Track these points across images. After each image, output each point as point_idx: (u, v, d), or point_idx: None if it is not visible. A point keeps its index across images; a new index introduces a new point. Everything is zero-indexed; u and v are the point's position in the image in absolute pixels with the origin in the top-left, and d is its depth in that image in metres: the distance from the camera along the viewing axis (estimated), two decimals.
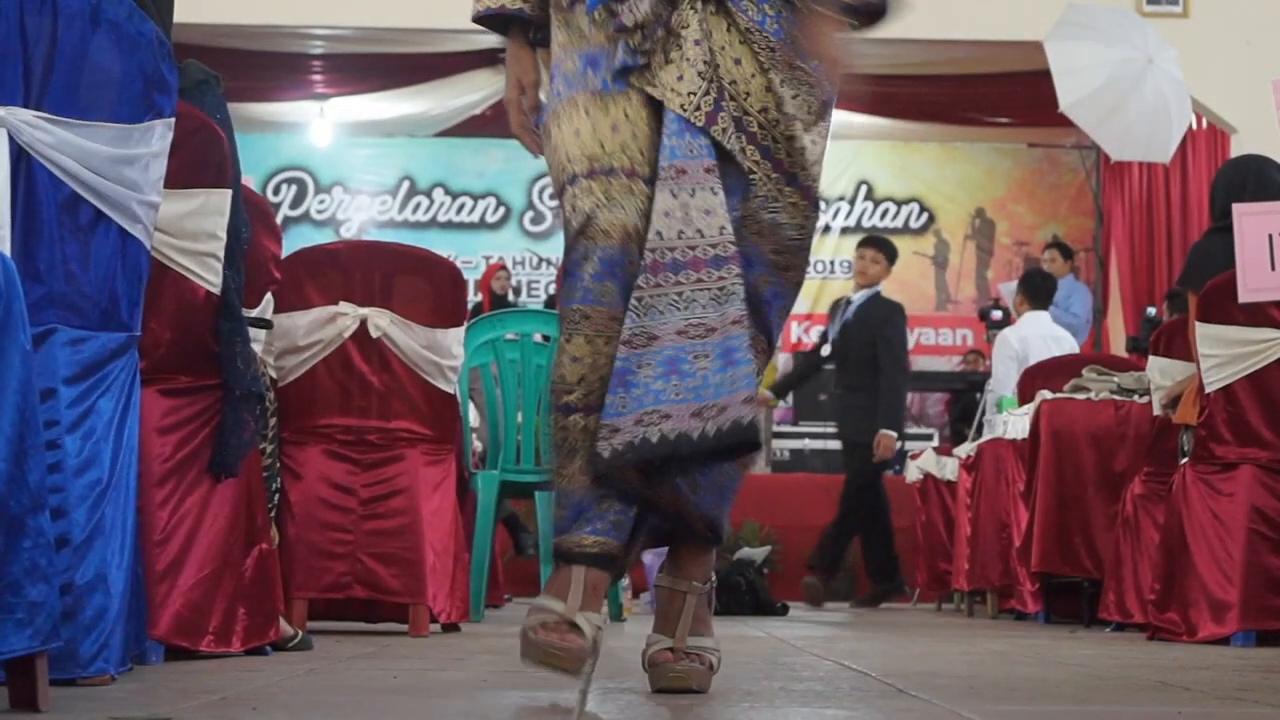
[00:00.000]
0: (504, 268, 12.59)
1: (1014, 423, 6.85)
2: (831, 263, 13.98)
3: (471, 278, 11.35)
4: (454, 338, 4.79)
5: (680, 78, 2.67)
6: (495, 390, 6.22)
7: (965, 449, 7.92)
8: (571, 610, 2.53)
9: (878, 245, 8.56)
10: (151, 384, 3.21)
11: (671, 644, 2.76)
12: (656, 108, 2.69)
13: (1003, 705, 2.61)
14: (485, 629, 5.11)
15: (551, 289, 13.45)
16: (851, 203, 14.34)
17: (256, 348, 3.92)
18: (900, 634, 5.39)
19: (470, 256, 13.58)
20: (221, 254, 3.37)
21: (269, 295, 4.17)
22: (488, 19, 2.85)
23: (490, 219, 14.29)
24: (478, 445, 6.48)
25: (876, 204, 14.37)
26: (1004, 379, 8.04)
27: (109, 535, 2.69)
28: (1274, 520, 4.81)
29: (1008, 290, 10.47)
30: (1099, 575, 6.02)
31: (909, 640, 4.88)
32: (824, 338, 8.61)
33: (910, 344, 13.83)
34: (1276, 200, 4.97)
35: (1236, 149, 10.90)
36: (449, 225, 14.21)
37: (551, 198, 13.68)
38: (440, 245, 11.66)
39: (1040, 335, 8.19)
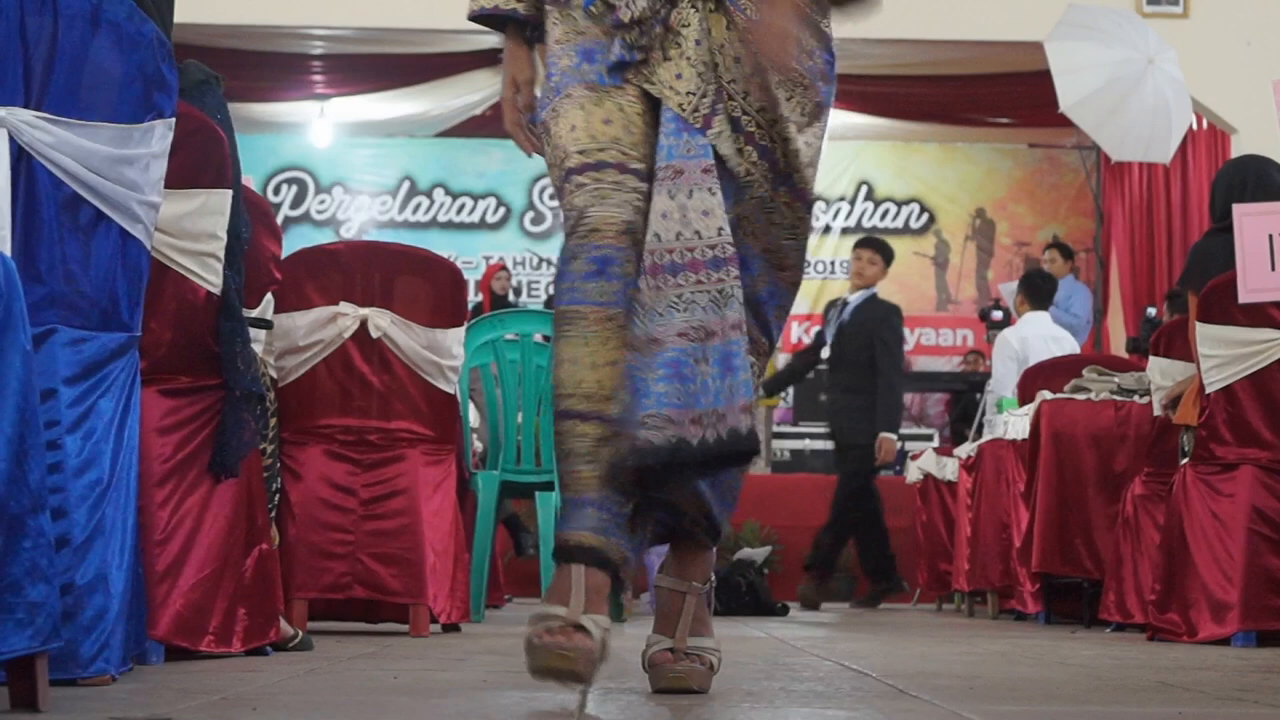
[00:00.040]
0: (504, 268, 12.60)
1: (1014, 423, 6.85)
2: (832, 263, 13.98)
3: (472, 278, 11.35)
4: (454, 338, 4.79)
5: (679, 76, 2.66)
6: (495, 390, 6.22)
7: (966, 449, 7.92)
8: (575, 613, 2.46)
9: (874, 246, 8.55)
10: (152, 384, 3.21)
11: (672, 644, 2.76)
12: (652, 102, 2.66)
13: (1003, 706, 2.61)
14: (485, 629, 5.11)
15: (551, 289, 13.45)
16: (852, 203, 14.35)
17: (257, 348, 3.92)
18: (901, 634, 5.39)
19: (470, 257, 13.58)
20: (222, 254, 3.37)
21: (269, 295, 4.17)
22: (483, 18, 2.84)
23: (490, 219, 14.30)
24: (478, 445, 6.48)
25: (877, 204, 14.38)
26: (1004, 379, 8.04)
27: (109, 535, 2.69)
28: (1274, 521, 4.81)
29: (1008, 291, 10.47)
30: (1099, 576, 6.02)
31: (909, 641, 4.88)
32: (820, 338, 8.58)
33: (910, 344, 13.89)
34: (1277, 201, 4.97)
35: (1237, 149, 10.90)
36: (449, 225, 14.22)
37: (551, 198, 13.70)
38: (440, 245, 11.67)
39: (1040, 336, 8.19)
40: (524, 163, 12.33)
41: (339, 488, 4.61)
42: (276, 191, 14.10)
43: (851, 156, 14.16)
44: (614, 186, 2.62)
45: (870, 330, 8.24)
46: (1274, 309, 4.80)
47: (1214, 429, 4.92)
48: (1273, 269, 4.67)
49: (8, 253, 2.46)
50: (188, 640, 3.26)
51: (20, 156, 2.64)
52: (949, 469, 8.26)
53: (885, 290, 8.65)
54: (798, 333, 13.32)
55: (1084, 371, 6.56)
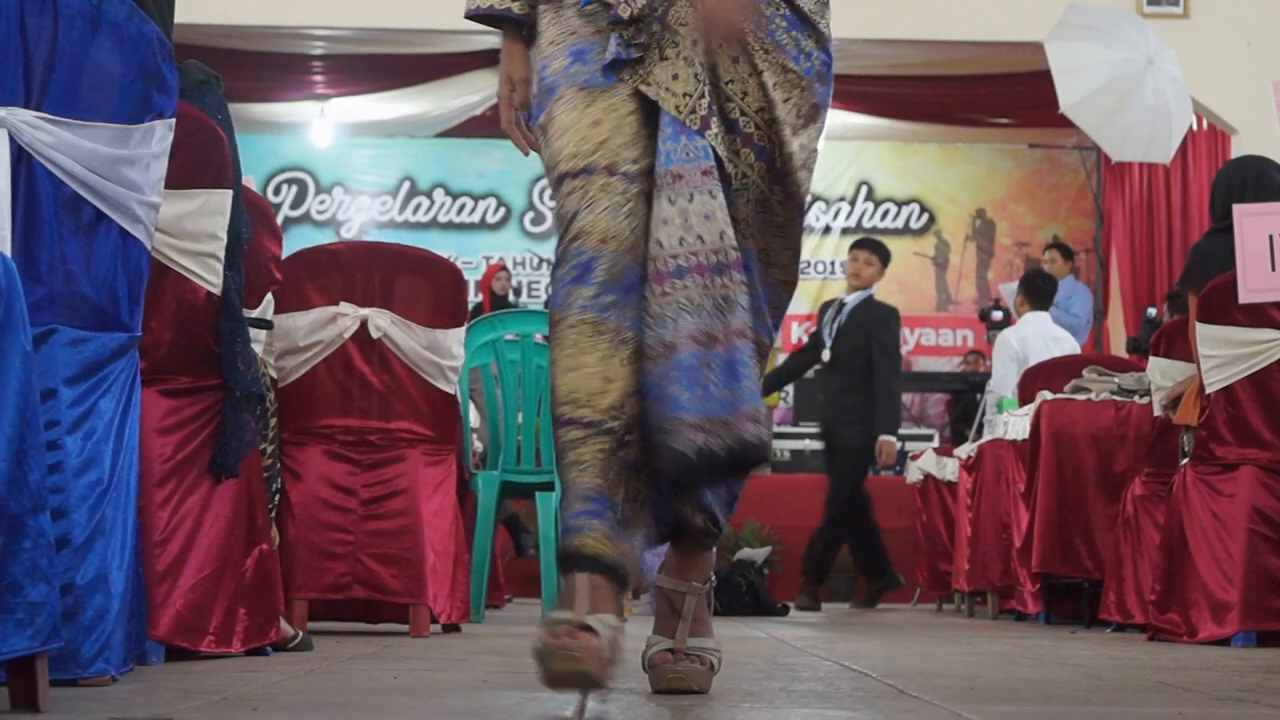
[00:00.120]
0: (504, 268, 12.60)
1: (1014, 423, 6.85)
2: (832, 263, 13.98)
3: (472, 278, 11.36)
4: (454, 338, 4.79)
5: (675, 77, 2.63)
6: (496, 391, 6.22)
7: (966, 450, 7.93)
8: (581, 614, 2.42)
9: (871, 247, 8.53)
10: (152, 384, 3.21)
11: (672, 645, 2.75)
12: (645, 102, 2.64)
13: (1003, 706, 2.61)
14: (486, 629, 5.11)
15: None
16: (852, 203, 14.35)
17: (257, 348, 3.92)
18: (901, 634, 5.39)
19: (471, 257, 13.59)
20: (222, 254, 3.37)
21: (269, 296, 4.17)
22: (478, 18, 2.83)
23: (491, 219, 14.30)
24: (478, 446, 6.48)
25: (877, 205, 14.38)
26: (1004, 380, 8.04)
27: (109, 536, 2.69)
28: (1274, 521, 4.81)
29: (1008, 291, 10.48)
30: (1099, 576, 6.02)
31: (909, 641, 4.88)
32: (817, 338, 8.55)
33: (911, 344, 13.91)
34: (1277, 201, 4.97)
35: (1237, 150, 10.91)
36: (449, 226, 14.22)
37: (551, 198, 13.66)
38: (441, 246, 11.68)
39: (1040, 336, 8.19)
40: (524, 163, 12.34)
41: (339, 488, 4.61)
42: (277, 192, 14.10)
43: (851, 157, 14.16)
44: (602, 190, 2.59)
45: (868, 332, 8.22)
46: (1274, 309, 4.80)
47: (1214, 429, 4.92)
48: (1273, 269, 4.68)
49: (8, 253, 2.46)
50: (188, 640, 3.26)
51: (20, 157, 2.64)
52: (949, 469, 8.26)
53: (885, 290, 8.63)
54: (798, 333, 13.33)
55: (1084, 372, 6.56)
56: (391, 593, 4.57)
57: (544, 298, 13.59)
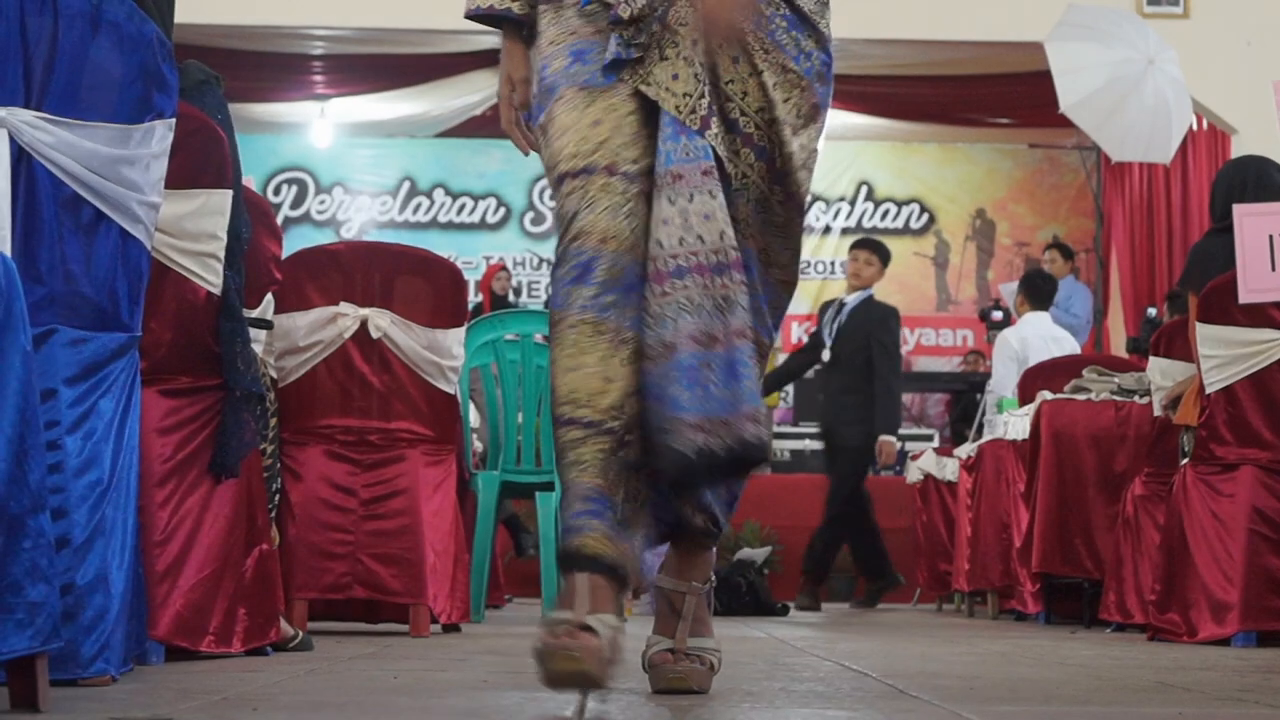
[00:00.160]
0: (504, 268, 12.60)
1: (1014, 423, 6.85)
2: (832, 263, 13.98)
3: (472, 278, 11.36)
4: (454, 338, 4.79)
5: (675, 77, 2.62)
6: (496, 391, 6.22)
7: (966, 450, 7.92)
8: (580, 614, 2.42)
9: (871, 247, 8.53)
10: (152, 384, 3.21)
11: (672, 645, 2.75)
12: (645, 102, 2.63)
13: (1003, 706, 2.61)
14: (486, 630, 5.11)
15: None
16: (852, 203, 14.35)
17: (257, 348, 3.92)
18: (901, 634, 5.39)
19: (471, 257, 13.59)
20: (222, 254, 3.37)
21: (269, 296, 4.17)
22: (478, 18, 2.83)
23: (491, 219, 14.31)
24: (478, 446, 6.48)
25: (877, 205, 14.38)
26: (1004, 380, 8.04)
27: (109, 536, 2.69)
28: (1275, 521, 4.81)
29: (1008, 291, 10.47)
30: (1099, 576, 6.02)
31: (910, 641, 4.88)
32: (818, 338, 8.55)
33: (911, 344, 13.91)
34: (1277, 201, 4.97)
35: (1237, 150, 10.91)
36: (449, 226, 14.22)
37: (551, 198, 13.65)
38: (441, 246, 11.68)
39: (1040, 336, 8.19)
40: (524, 163, 12.34)
41: (339, 488, 4.61)
42: (277, 192, 14.11)
43: (851, 157, 14.16)
44: (602, 190, 2.58)
45: (868, 333, 8.22)
46: (1274, 309, 4.80)
47: (1214, 429, 4.92)
48: (1273, 269, 4.67)
49: (8, 253, 2.46)
50: (188, 640, 3.26)
51: (20, 157, 2.64)
52: (949, 469, 8.26)
53: (886, 290, 8.63)
54: (798, 333, 13.33)
55: (1084, 372, 6.56)
56: (391, 593, 4.57)
57: (544, 298, 13.59)
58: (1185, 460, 5.12)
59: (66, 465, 2.62)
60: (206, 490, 3.36)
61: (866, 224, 14.08)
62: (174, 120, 2.85)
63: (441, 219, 14.26)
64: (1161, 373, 5.47)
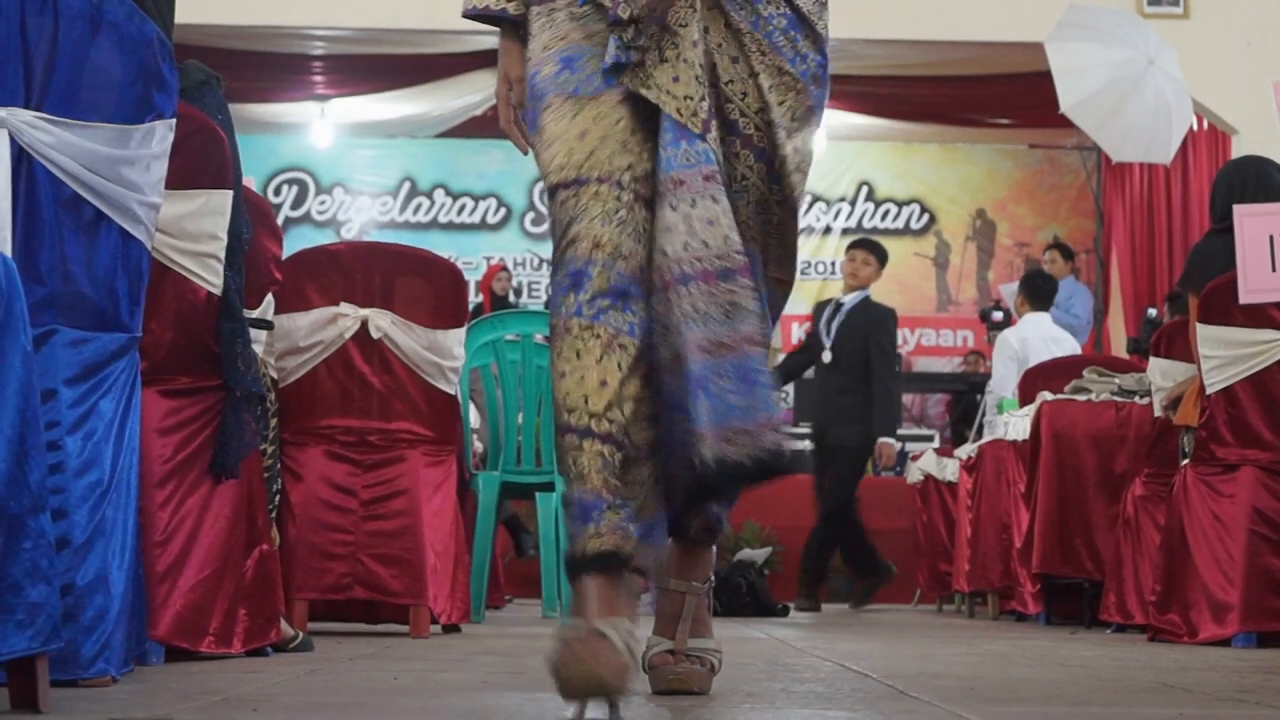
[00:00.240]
0: (505, 269, 12.60)
1: (1015, 424, 6.85)
2: (832, 264, 13.97)
3: (472, 279, 11.37)
4: (455, 339, 4.80)
5: (676, 79, 2.60)
6: (496, 391, 6.22)
7: (966, 450, 7.92)
8: (592, 619, 2.39)
9: (868, 247, 8.51)
10: (152, 385, 3.21)
11: (672, 646, 2.75)
12: (636, 107, 2.61)
13: (1003, 707, 2.61)
14: (486, 630, 5.11)
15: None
16: (852, 204, 14.35)
17: (257, 349, 3.92)
18: (901, 635, 5.39)
19: (471, 257, 13.59)
20: (222, 255, 3.38)
21: (270, 296, 4.17)
22: (475, 17, 2.82)
23: (491, 220, 14.31)
24: (478, 446, 6.48)
25: (877, 205, 14.38)
26: (1004, 380, 8.04)
27: (110, 536, 2.69)
28: (1275, 521, 4.80)
29: (1009, 291, 10.47)
30: (1100, 576, 6.02)
31: (910, 641, 4.88)
32: (814, 338, 8.53)
33: (911, 345, 13.91)
34: (1277, 201, 4.97)
35: (1237, 150, 10.91)
36: (450, 226, 14.23)
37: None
38: (441, 246, 11.68)
39: (1041, 336, 8.19)
40: (524, 163, 12.31)
41: (339, 488, 4.61)
42: (277, 192, 14.11)
43: (852, 157, 14.16)
44: (593, 198, 2.57)
45: (866, 333, 8.20)
46: (1274, 309, 4.80)
47: (1214, 430, 4.92)
48: (1273, 269, 4.68)
49: (8, 253, 2.46)
50: (188, 641, 3.26)
51: (21, 157, 2.64)
52: (949, 470, 8.26)
53: (885, 290, 8.62)
54: (798, 333, 13.33)
55: (1084, 372, 6.56)
56: (392, 593, 4.57)
57: (544, 298, 13.59)
58: (1185, 461, 5.12)
59: (67, 466, 2.62)
60: (207, 491, 3.36)
61: (867, 224, 14.08)
62: (174, 120, 2.85)
63: (442, 219, 14.26)
64: (1162, 373, 5.47)
